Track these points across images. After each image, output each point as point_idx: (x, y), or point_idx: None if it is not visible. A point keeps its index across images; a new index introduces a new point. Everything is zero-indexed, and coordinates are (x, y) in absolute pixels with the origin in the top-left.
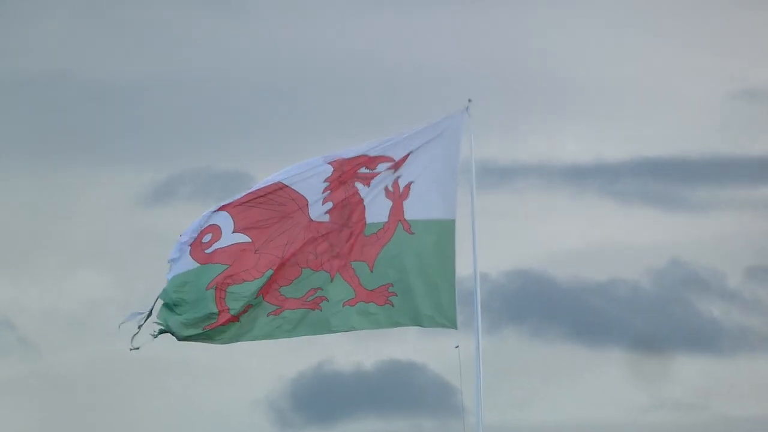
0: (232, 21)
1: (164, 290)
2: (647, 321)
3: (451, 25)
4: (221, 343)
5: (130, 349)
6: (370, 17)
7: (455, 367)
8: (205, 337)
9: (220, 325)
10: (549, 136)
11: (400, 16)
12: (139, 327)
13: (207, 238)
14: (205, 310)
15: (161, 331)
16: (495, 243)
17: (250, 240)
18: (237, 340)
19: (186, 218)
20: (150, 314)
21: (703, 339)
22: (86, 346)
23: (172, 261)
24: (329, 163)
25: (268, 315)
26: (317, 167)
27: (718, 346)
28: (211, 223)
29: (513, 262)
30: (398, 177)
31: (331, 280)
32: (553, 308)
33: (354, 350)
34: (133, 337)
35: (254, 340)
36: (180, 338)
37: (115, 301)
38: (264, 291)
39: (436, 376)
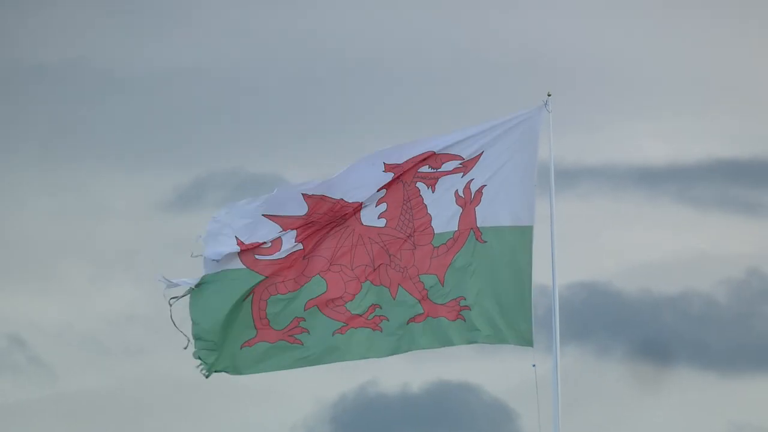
0: (267, 7)
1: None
2: (722, 337)
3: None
4: (283, 369)
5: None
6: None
7: (513, 389)
8: (261, 363)
9: (265, 342)
10: (616, 135)
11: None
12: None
13: (266, 245)
14: (242, 324)
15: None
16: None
17: (302, 246)
18: (302, 366)
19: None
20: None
21: None
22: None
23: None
24: (386, 171)
25: (333, 334)
26: (373, 174)
27: None
28: (276, 237)
29: (576, 274)
30: (470, 180)
31: (393, 298)
32: (620, 324)
33: (401, 370)
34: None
35: (320, 364)
36: (231, 371)
37: (139, 319)
38: (322, 305)
39: (492, 399)
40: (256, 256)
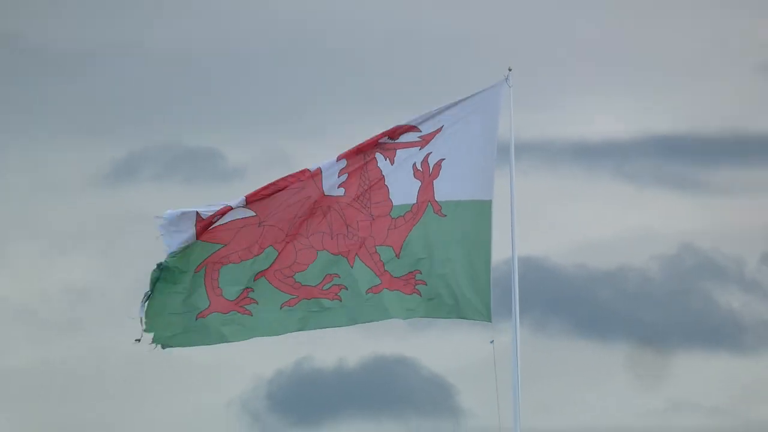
0: None
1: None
2: (655, 313)
3: None
4: (233, 340)
5: (136, 341)
6: None
7: (452, 364)
8: (208, 334)
9: (217, 312)
10: (554, 110)
11: None
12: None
13: (216, 217)
14: (194, 296)
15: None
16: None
17: (254, 214)
18: (250, 336)
19: (151, 201)
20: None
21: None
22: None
23: (169, 232)
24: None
25: (281, 307)
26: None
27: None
28: (221, 208)
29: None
30: (428, 154)
31: (351, 266)
32: (557, 300)
33: (335, 345)
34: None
35: (269, 335)
36: (176, 342)
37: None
38: (271, 276)
39: (430, 374)
40: (210, 227)
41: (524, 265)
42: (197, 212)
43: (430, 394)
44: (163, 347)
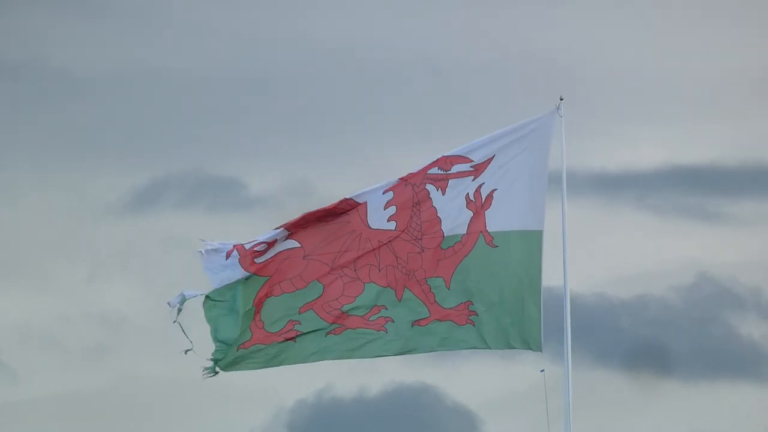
0: (227, 7)
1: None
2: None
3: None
4: (275, 366)
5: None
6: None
7: (475, 394)
8: (250, 361)
9: (259, 343)
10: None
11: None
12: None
13: (261, 247)
14: (239, 328)
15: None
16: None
17: (299, 245)
18: (292, 363)
19: (172, 229)
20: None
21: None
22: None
23: (213, 269)
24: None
25: (327, 335)
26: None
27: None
28: (266, 241)
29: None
30: (481, 184)
31: (398, 300)
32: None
33: (357, 374)
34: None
35: (311, 361)
36: (223, 366)
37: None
38: (319, 309)
39: (454, 403)
40: (255, 260)
41: (547, 294)
42: (239, 246)
43: (454, 424)
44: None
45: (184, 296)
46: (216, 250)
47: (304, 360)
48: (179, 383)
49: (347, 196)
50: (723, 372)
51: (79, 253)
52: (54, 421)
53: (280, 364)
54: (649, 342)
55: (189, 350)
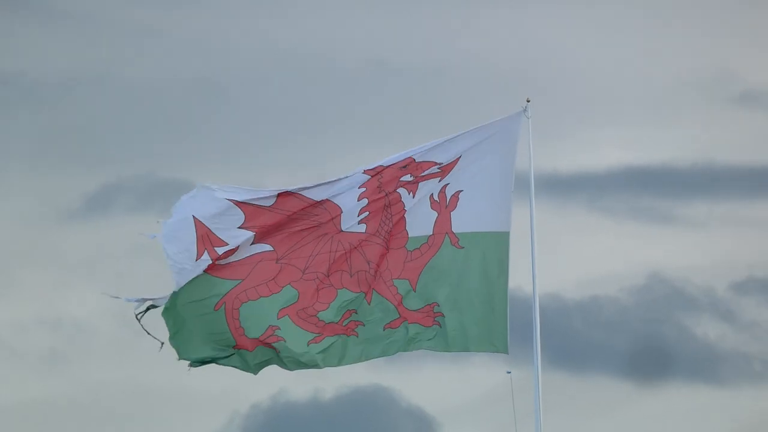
0: (173, 8)
1: (171, 305)
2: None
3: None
4: (255, 371)
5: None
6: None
7: (432, 396)
8: (240, 362)
9: (244, 350)
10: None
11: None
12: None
13: (221, 250)
14: (219, 334)
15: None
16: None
17: (272, 248)
18: (282, 366)
19: (125, 234)
20: (149, 308)
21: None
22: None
23: (181, 271)
24: (365, 172)
25: (309, 344)
26: (352, 177)
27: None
28: (237, 247)
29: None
30: (446, 185)
31: (368, 303)
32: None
33: (311, 379)
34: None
35: (300, 369)
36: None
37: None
38: (295, 316)
39: (410, 406)
40: (219, 262)
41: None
42: (212, 251)
43: (410, 427)
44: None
45: (147, 303)
46: (183, 243)
47: (292, 369)
48: (135, 388)
49: (310, 197)
50: (677, 373)
51: (34, 258)
52: (10, 430)
53: (269, 364)
54: (602, 343)
55: (162, 344)
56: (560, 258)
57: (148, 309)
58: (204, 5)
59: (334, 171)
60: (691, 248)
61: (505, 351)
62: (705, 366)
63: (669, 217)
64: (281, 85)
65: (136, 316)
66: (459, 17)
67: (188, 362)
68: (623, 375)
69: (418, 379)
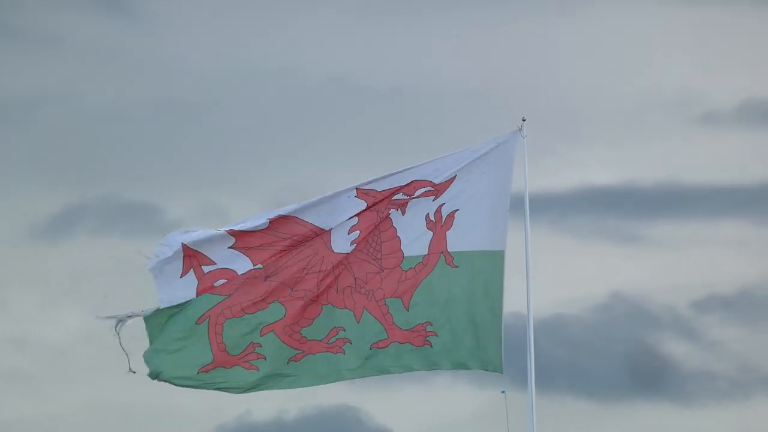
0: (138, 34)
1: (152, 320)
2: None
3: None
4: (237, 393)
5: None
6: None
7: (401, 417)
8: (215, 384)
9: (221, 367)
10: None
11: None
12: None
13: (208, 269)
14: (196, 349)
15: (155, 376)
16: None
17: (261, 267)
18: (256, 390)
19: (85, 260)
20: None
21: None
22: None
23: (166, 288)
24: (359, 195)
25: (288, 362)
26: (344, 201)
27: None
28: (226, 266)
29: None
30: (441, 204)
31: (357, 321)
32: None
33: (275, 399)
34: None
35: (275, 389)
36: (177, 382)
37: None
38: (281, 332)
39: (377, 426)
40: (214, 284)
41: None
42: (197, 268)
43: None
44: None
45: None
46: (169, 264)
47: (267, 389)
48: (99, 407)
49: (318, 225)
50: (640, 391)
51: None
52: None
53: (244, 391)
54: (565, 362)
55: (133, 372)
56: (524, 278)
57: (127, 318)
58: (165, 26)
59: (302, 189)
60: (654, 268)
61: (500, 370)
62: (670, 384)
63: (633, 237)
64: (243, 105)
65: (115, 328)
66: (424, 36)
67: (155, 374)
68: (588, 394)
69: (387, 400)
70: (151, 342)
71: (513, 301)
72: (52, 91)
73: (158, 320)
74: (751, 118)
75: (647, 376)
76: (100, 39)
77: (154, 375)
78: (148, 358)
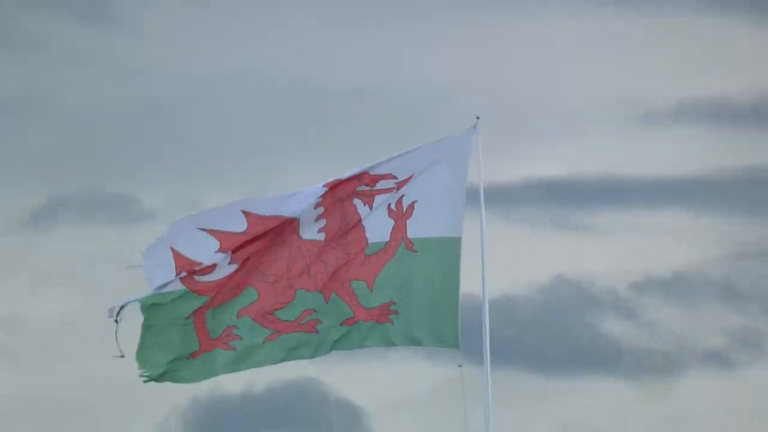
0: (112, 34)
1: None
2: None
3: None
4: (217, 374)
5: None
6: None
7: (364, 391)
8: (196, 371)
9: (205, 351)
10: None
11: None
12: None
13: (202, 266)
14: (185, 340)
15: (150, 378)
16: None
17: (238, 266)
18: (234, 370)
19: (69, 246)
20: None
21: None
22: None
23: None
24: (325, 185)
25: (264, 341)
26: (311, 190)
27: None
28: (212, 266)
29: None
30: (402, 196)
31: (326, 302)
32: None
33: (242, 373)
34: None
35: (254, 367)
36: (168, 377)
37: None
38: (254, 315)
39: (339, 398)
40: (195, 278)
41: None
42: (187, 266)
43: (339, 419)
44: (155, 381)
45: (120, 306)
46: (162, 267)
47: (247, 368)
48: (76, 383)
49: (285, 214)
50: (586, 367)
51: None
52: None
53: (223, 372)
54: (515, 340)
55: (121, 356)
56: (479, 263)
57: (123, 307)
58: (140, 30)
59: (272, 187)
60: (596, 253)
61: (456, 346)
62: (611, 360)
63: (577, 226)
64: (215, 105)
65: (115, 319)
66: (386, 39)
67: (146, 374)
68: (535, 369)
69: (349, 374)
70: (142, 337)
71: (467, 284)
72: (34, 92)
73: (150, 320)
74: (687, 117)
75: (591, 352)
76: (80, 42)
77: (152, 378)
78: (140, 358)
